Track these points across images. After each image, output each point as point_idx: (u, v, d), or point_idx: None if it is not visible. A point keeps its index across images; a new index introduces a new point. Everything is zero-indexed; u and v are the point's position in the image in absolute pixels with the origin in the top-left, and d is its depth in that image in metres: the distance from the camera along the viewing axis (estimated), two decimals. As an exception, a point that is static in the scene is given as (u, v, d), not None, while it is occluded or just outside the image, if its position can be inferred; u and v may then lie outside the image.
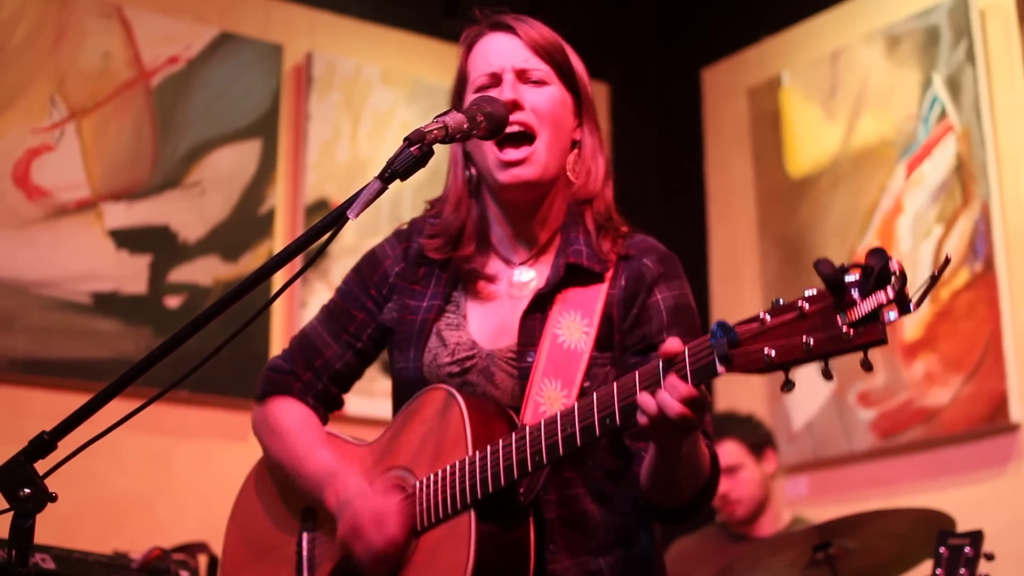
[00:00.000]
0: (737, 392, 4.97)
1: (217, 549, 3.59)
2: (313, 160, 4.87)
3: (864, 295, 1.62)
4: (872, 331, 1.62)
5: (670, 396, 1.84)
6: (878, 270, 1.61)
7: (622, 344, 2.17)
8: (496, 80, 2.25)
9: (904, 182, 4.76)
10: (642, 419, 1.88)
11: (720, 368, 1.77)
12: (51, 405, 4.07)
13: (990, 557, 2.84)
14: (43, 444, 1.79)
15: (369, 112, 5.02)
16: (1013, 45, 4.54)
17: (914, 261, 4.66)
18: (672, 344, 1.86)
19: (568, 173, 2.27)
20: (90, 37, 4.53)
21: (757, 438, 4.42)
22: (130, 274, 4.45)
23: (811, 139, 5.15)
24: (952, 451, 4.51)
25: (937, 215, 4.63)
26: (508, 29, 2.28)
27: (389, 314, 2.35)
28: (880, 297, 1.61)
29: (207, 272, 4.58)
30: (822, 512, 4.22)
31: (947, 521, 3.29)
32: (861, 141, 4.96)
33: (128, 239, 4.47)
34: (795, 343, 1.68)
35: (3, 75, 4.36)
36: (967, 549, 2.84)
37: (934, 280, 1.61)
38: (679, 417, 1.83)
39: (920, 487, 4.53)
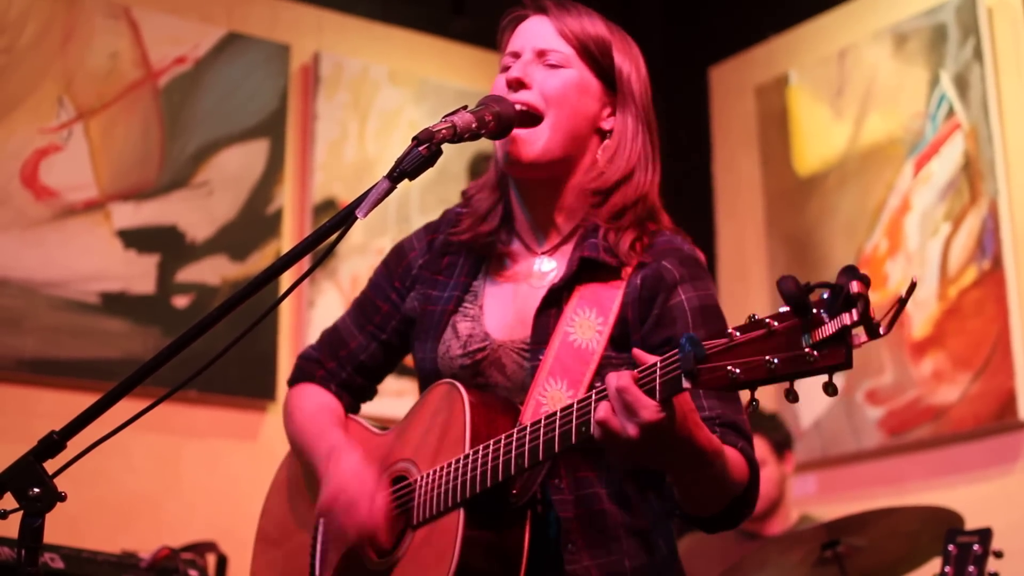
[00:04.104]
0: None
1: (225, 548, 3.60)
2: (321, 160, 4.87)
3: (832, 316, 1.55)
4: (836, 354, 1.56)
5: (619, 406, 1.78)
6: (846, 290, 1.53)
7: (644, 346, 2.06)
8: (516, 60, 2.24)
9: (912, 180, 4.75)
10: (595, 430, 1.83)
11: (686, 383, 1.69)
12: (60, 405, 4.08)
13: (999, 555, 2.83)
14: (52, 444, 1.79)
15: (376, 112, 5.02)
16: (1020, 42, 4.53)
17: (922, 259, 4.65)
18: (646, 356, 1.81)
19: (594, 161, 2.23)
20: (98, 37, 4.54)
21: (780, 437, 4.41)
22: (138, 274, 4.46)
23: (819, 137, 5.14)
24: (961, 449, 4.50)
25: (945, 213, 4.62)
26: (544, 12, 2.27)
27: (411, 304, 2.35)
28: (844, 319, 1.53)
29: (215, 272, 4.59)
30: (830, 510, 4.22)
31: (956, 519, 3.28)
32: (869, 139, 4.95)
33: (136, 239, 4.48)
34: (760, 362, 1.61)
35: (11, 75, 4.37)
36: (976, 547, 2.84)
37: (903, 303, 1.54)
38: (622, 427, 1.78)
39: (928, 485, 4.52)
